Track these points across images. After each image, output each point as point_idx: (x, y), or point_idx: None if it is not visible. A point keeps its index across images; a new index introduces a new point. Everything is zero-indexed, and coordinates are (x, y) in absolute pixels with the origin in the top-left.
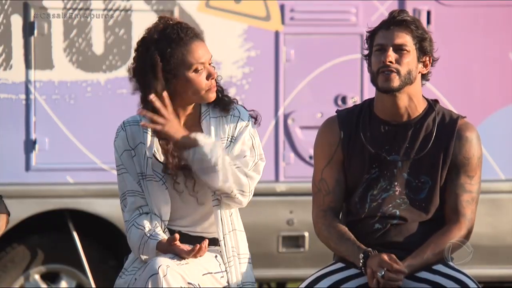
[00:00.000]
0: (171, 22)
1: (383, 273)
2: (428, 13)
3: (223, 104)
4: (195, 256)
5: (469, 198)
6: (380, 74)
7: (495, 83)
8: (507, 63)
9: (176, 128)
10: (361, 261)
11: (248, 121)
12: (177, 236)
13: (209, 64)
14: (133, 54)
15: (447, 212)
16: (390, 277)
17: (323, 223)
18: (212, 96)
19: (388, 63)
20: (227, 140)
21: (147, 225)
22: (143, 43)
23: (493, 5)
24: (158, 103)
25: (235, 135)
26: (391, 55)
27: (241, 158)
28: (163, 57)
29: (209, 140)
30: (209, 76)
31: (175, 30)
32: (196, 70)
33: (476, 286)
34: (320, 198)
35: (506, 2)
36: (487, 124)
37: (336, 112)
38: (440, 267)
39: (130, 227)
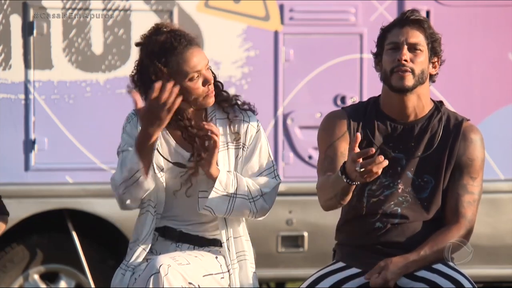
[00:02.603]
0: (165, 29)
1: (360, 166)
2: (428, 13)
3: (226, 104)
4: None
5: (471, 199)
6: (394, 73)
7: (494, 83)
8: (506, 63)
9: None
10: (340, 170)
11: (258, 126)
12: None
13: (207, 69)
14: (132, 55)
15: (448, 212)
16: (365, 165)
17: (320, 181)
18: (210, 101)
19: (404, 62)
20: (237, 147)
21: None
22: (140, 54)
23: (493, 5)
24: (214, 128)
25: (246, 143)
26: (406, 54)
27: (261, 173)
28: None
29: (225, 179)
30: (205, 82)
31: (168, 39)
32: (191, 79)
33: (471, 287)
34: (323, 170)
35: (506, 2)
36: (486, 124)
37: (341, 108)
38: (439, 266)
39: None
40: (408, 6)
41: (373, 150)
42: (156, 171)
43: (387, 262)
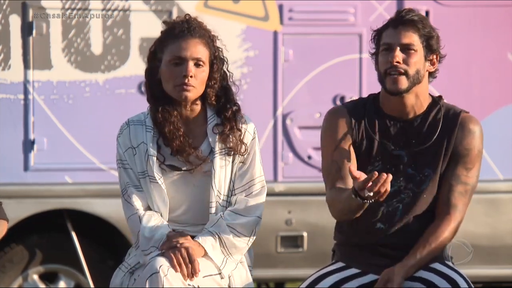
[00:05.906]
0: (180, 18)
1: (369, 191)
2: (427, 13)
3: (227, 112)
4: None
5: (463, 190)
6: (388, 76)
7: (493, 83)
8: (506, 63)
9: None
10: (353, 193)
11: (254, 133)
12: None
13: (197, 64)
14: (132, 55)
15: (439, 202)
16: (376, 191)
17: (330, 195)
18: (182, 95)
19: (396, 64)
20: (233, 153)
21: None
22: None
23: (492, 5)
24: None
25: (242, 150)
26: (399, 55)
27: (252, 179)
28: (160, 48)
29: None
30: (184, 73)
31: (177, 25)
32: (172, 63)
33: (467, 287)
34: (331, 179)
35: (505, 2)
36: (485, 124)
37: (342, 104)
38: (436, 265)
39: (141, 215)
40: (407, 6)
41: (376, 173)
42: (157, 180)
43: (389, 275)
